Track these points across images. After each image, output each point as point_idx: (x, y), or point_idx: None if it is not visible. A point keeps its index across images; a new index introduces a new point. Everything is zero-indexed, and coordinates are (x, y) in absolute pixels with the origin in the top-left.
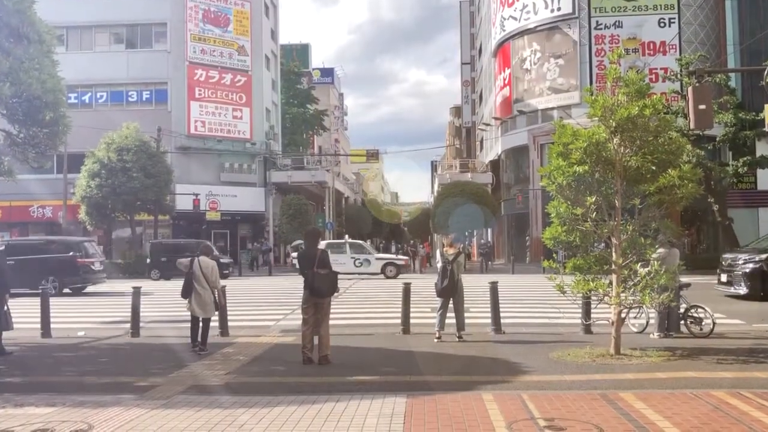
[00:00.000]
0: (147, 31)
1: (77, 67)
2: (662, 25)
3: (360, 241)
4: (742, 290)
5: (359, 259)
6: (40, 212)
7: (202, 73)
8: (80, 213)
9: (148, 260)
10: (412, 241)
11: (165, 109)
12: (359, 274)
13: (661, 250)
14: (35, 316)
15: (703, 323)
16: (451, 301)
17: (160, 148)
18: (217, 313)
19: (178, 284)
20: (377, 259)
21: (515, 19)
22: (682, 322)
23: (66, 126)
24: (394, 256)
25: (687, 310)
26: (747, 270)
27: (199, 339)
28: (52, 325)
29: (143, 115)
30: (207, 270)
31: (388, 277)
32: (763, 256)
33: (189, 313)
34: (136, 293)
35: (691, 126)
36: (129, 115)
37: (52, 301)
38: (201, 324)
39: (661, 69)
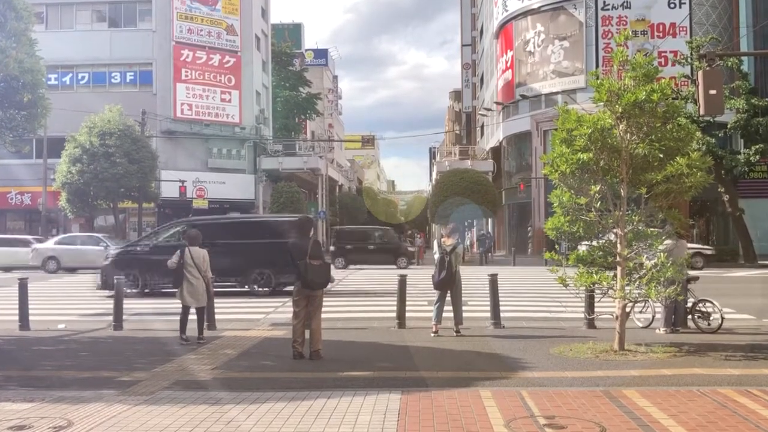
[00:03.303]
0: (131, 9)
1: (57, 46)
2: (672, 6)
3: None
4: (98, 283)
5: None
6: (18, 199)
7: (189, 54)
8: (60, 200)
9: (332, 248)
10: (409, 231)
11: (150, 91)
12: None
13: (668, 241)
14: (13, 307)
15: (711, 318)
16: (448, 294)
17: (145, 132)
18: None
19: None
20: None
21: None
22: (690, 316)
23: (45, 108)
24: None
25: (695, 304)
26: (106, 262)
27: (198, 329)
28: (30, 317)
29: (127, 98)
30: (198, 259)
31: None
32: (118, 249)
33: (175, 304)
34: (119, 284)
35: (701, 112)
36: (112, 98)
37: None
38: (196, 314)
39: (670, 52)
